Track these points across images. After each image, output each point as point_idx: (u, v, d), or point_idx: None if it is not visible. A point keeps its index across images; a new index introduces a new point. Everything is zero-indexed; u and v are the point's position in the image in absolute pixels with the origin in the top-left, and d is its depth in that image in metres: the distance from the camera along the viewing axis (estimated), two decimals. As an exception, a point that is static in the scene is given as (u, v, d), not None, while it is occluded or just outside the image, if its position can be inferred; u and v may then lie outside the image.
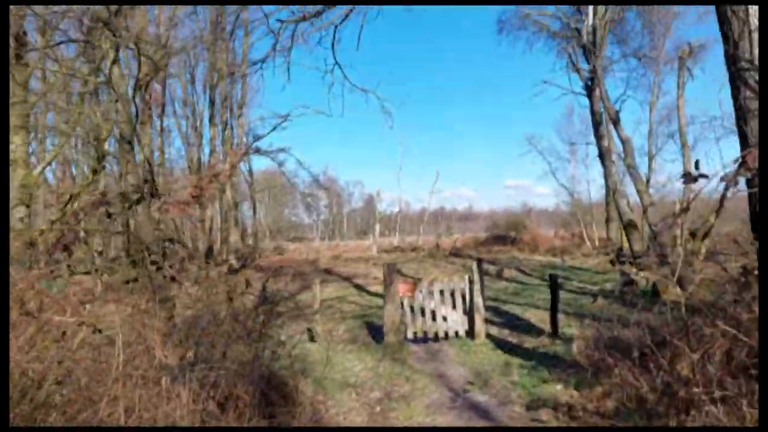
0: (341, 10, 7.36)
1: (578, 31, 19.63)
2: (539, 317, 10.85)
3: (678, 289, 5.20)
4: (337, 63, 9.11)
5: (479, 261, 9.77)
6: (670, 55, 21.58)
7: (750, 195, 4.46)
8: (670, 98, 33.79)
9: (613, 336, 7.49)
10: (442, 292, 9.67)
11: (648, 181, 28.78)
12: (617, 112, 15.12)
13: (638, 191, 12.38)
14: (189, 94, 37.72)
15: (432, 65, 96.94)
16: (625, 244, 26.05)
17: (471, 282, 9.51)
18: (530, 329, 9.92)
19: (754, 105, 3.91)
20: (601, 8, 19.02)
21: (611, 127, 18.07)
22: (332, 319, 12.38)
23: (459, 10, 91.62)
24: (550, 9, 21.21)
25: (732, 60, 4.05)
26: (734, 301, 5.98)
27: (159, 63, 16.13)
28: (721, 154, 45.33)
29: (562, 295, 12.02)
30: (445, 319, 9.56)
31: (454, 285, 9.69)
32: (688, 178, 4.12)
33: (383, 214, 71.43)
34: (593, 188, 43.08)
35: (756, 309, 5.19)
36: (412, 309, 9.59)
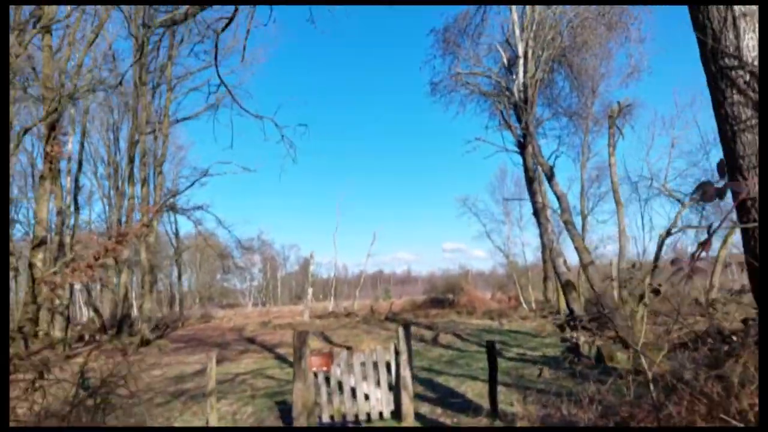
0: (223, 12, 6.23)
1: (509, 89, 19.44)
2: (477, 391, 9.53)
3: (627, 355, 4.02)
4: (222, 82, 7.90)
5: (406, 326, 8.39)
6: (599, 116, 21.76)
7: (744, 234, 3.39)
8: (600, 158, 34.59)
9: (563, 416, 6.24)
10: (363, 365, 8.22)
11: (582, 240, 28.75)
12: (551, 168, 14.55)
13: (577, 248, 11.59)
14: (112, 153, 35.67)
15: (369, 126, 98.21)
16: (563, 305, 25.48)
17: (397, 352, 8.13)
18: (467, 406, 8.55)
19: (745, 113, 2.91)
20: (531, 67, 18.94)
21: (546, 184, 17.61)
22: (240, 399, 10.60)
23: (395, 73, 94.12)
24: (480, 69, 21.10)
25: (711, 56, 3.10)
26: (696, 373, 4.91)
27: (54, 107, 14.45)
28: (650, 216, 46.66)
29: (502, 363, 10.82)
30: (367, 397, 8.07)
31: (378, 356, 8.26)
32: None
33: (317, 277, 69.45)
34: (528, 250, 43.21)
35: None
36: (328, 385, 8.07)
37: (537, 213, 17.55)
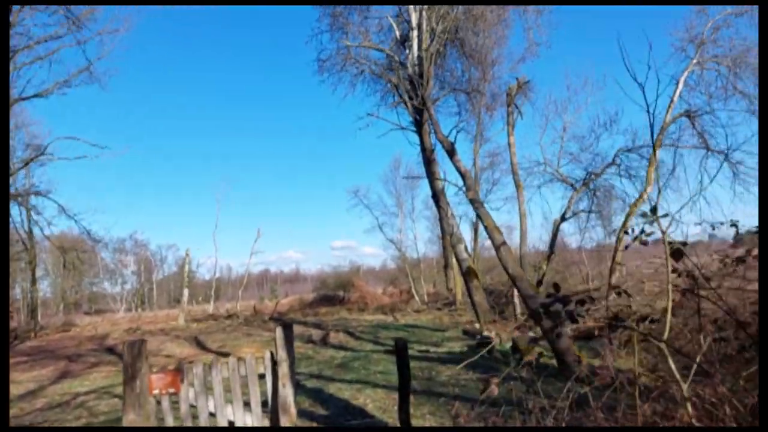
0: None
1: (403, 64, 17.85)
2: (379, 403, 7.63)
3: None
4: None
5: (286, 327, 6.19)
6: (498, 94, 20.68)
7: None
8: (493, 144, 34.09)
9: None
10: (227, 381, 5.98)
11: (476, 230, 28.08)
12: (452, 144, 13.01)
13: (487, 228, 10.09)
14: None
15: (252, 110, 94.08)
16: (459, 296, 24.50)
17: (275, 362, 5.98)
18: (368, 424, 6.61)
19: None
20: (426, 39, 17.47)
21: (445, 166, 16.18)
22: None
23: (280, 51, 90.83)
24: (373, 41, 19.33)
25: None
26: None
27: None
28: (547, 201, 47.61)
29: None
30: (232, 425, 5.85)
31: (247, 368, 6.04)
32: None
33: (197, 279, 64.77)
34: (420, 242, 42.12)
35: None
36: (177, 413, 5.77)
37: (436, 196, 16.08)
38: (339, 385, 9.25)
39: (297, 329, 20.89)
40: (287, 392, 5.77)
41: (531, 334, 9.48)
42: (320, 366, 11.50)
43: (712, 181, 17.44)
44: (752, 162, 16.37)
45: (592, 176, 20.96)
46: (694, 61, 17.06)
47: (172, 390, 5.74)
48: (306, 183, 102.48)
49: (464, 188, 11.53)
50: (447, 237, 15.76)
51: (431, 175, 15.94)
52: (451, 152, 12.85)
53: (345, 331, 17.55)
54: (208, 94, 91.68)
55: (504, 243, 9.58)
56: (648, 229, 3.67)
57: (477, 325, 14.49)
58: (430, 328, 17.05)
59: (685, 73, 17.09)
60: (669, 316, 3.86)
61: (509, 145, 16.65)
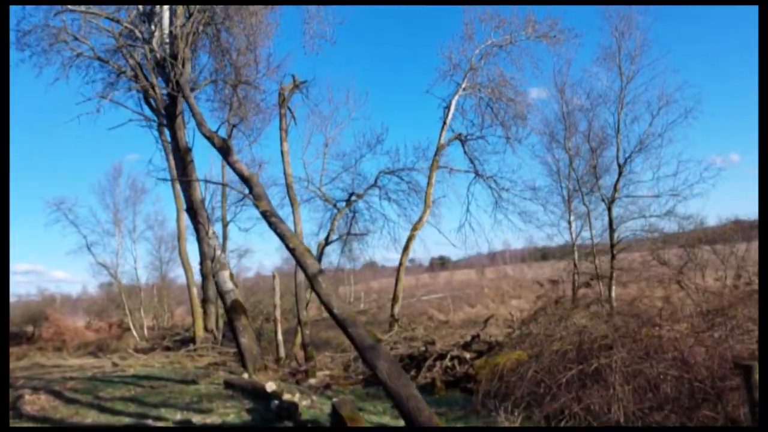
0: None
1: (147, 42, 14.13)
2: None
3: None
4: None
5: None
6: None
7: None
8: (243, 156, 30.67)
9: None
10: None
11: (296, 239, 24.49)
12: (225, 141, 10.00)
13: (294, 252, 7.42)
14: None
15: None
16: (199, 332, 20.68)
17: None
18: None
19: None
20: (181, 15, 14.10)
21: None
22: None
23: None
24: (105, 10, 14.95)
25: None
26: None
27: None
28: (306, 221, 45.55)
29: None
30: None
31: None
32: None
33: None
34: (140, 267, 35.92)
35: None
36: None
37: (193, 209, 12.62)
38: None
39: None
40: None
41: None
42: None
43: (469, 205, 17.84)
44: (516, 190, 17.15)
45: (354, 197, 19.80)
46: (463, 85, 17.18)
47: None
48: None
49: (252, 197, 8.67)
50: (207, 262, 12.45)
51: (186, 184, 12.49)
52: (226, 151, 9.78)
53: (48, 391, 12.57)
54: None
55: (321, 272, 7.05)
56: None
57: (245, 375, 11.48)
58: (175, 380, 13.18)
59: (456, 97, 17.09)
60: None
61: (282, 153, 14.19)
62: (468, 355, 10.89)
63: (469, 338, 11.32)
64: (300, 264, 7.48)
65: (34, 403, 11.51)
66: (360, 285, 52.11)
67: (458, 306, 37.52)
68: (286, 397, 7.51)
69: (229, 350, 18.35)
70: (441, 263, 73.36)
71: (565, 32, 17.52)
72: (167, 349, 22.17)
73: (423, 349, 10.96)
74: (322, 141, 21.10)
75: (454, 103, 17.46)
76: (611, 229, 16.58)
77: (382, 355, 5.95)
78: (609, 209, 16.57)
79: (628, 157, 16.33)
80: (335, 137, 21.09)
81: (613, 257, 16.27)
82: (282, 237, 7.96)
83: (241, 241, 35.57)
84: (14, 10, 14.95)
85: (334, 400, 6.88)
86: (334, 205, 19.59)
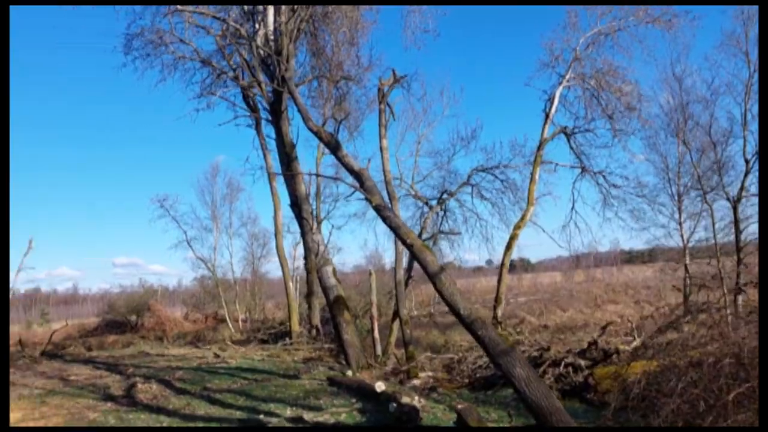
0: None
1: (252, 39, 14.29)
2: None
3: None
4: None
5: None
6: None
7: None
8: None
9: None
10: None
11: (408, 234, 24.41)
12: (332, 136, 9.85)
13: (413, 249, 7.10)
14: None
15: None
16: (294, 326, 20.89)
17: None
18: None
19: None
20: (285, 13, 14.15)
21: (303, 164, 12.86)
22: None
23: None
24: (212, 8, 15.33)
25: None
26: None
27: None
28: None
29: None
30: None
31: None
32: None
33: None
34: (235, 261, 37.44)
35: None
36: None
37: (298, 204, 12.65)
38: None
39: (83, 372, 15.35)
40: None
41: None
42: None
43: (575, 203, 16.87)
44: (624, 186, 16.07)
45: (447, 195, 19.34)
46: (567, 77, 16.29)
47: None
48: (86, 187, 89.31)
49: (363, 191, 8.44)
50: (311, 257, 12.45)
51: (291, 180, 12.52)
52: (335, 146, 9.62)
53: (158, 380, 13.03)
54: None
55: (443, 269, 6.68)
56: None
57: (349, 372, 11.33)
58: (276, 373, 13.31)
59: (559, 89, 16.24)
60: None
61: (381, 149, 13.97)
62: (583, 363, 10.18)
63: (585, 345, 10.58)
64: (419, 261, 7.14)
65: (146, 391, 11.92)
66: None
67: (549, 310, 36.09)
68: (405, 400, 7.17)
69: (323, 345, 18.43)
70: (523, 265, 71.30)
71: (681, 15, 16.16)
72: (263, 342, 22.57)
73: (535, 354, 10.34)
74: (414, 138, 20.89)
75: (557, 95, 16.60)
76: (737, 230, 15.13)
77: (518, 362, 5.49)
78: (734, 208, 15.13)
79: (756, 152, 14.85)
80: (428, 135, 20.79)
81: (739, 261, 14.84)
82: (397, 231, 7.67)
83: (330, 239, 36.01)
84: (125, 12, 15.55)
85: (459, 407, 6.48)
86: (426, 203, 19.20)
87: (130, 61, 15.25)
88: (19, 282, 64.00)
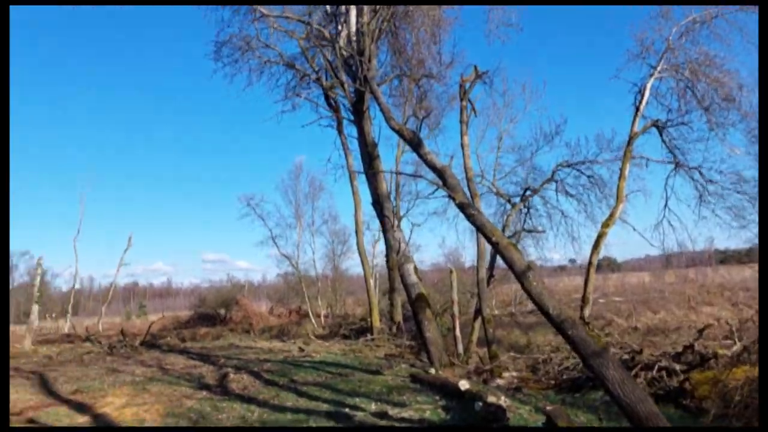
0: None
1: (334, 41, 14.55)
2: None
3: None
4: None
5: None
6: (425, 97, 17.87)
7: None
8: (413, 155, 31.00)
9: None
10: None
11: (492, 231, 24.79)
12: (415, 134, 9.92)
13: (498, 246, 7.06)
14: None
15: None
16: (376, 322, 21.22)
17: None
18: None
19: None
20: (367, 14, 14.33)
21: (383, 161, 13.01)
22: None
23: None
24: (298, 11, 15.75)
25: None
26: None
27: None
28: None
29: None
30: None
31: None
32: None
33: (54, 290, 55.90)
34: (318, 259, 38.82)
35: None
36: None
37: (380, 202, 12.85)
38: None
39: (179, 362, 16.30)
40: None
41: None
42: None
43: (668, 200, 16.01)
44: (722, 182, 15.11)
45: (530, 192, 18.92)
46: (659, 68, 15.50)
47: None
48: (180, 187, 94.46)
49: (446, 189, 8.42)
50: (392, 254, 12.63)
51: (373, 178, 12.74)
52: (417, 144, 9.66)
53: (248, 371, 13.63)
54: (66, 76, 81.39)
55: (530, 267, 6.58)
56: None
57: (432, 370, 11.37)
58: (359, 368, 13.59)
59: (651, 80, 15.47)
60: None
61: (462, 146, 13.91)
62: (678, 367, 9.70)
63: (680, 348, 10.07)
64: (504, 259, 7.05)
65: (238, 381, 12.50)
66: (513, 285, 50.45)
67: (639, 311, 34.47)
68: (491, 399, 7.12)
69: (404, 342, 18.57)
70: (609, 265, 68.40)
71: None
72: (344, 337, 23.06)
73: (627, 357, 9.95)
74: (495, 135, 20.60)
75: (648, 87, 15.82)
76: None
77: (611, 364, 5.32)
78: None
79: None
80: (510, 130, 20.44)
81: None
82: (482, 229, 7.61)
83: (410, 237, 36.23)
84: (214, 19, 16.29)
85: (548, 408, 6.37)
86: (508, 200, 18.89)
87: (220, 68, 16.00)
88: (119, 277, 68.49)
